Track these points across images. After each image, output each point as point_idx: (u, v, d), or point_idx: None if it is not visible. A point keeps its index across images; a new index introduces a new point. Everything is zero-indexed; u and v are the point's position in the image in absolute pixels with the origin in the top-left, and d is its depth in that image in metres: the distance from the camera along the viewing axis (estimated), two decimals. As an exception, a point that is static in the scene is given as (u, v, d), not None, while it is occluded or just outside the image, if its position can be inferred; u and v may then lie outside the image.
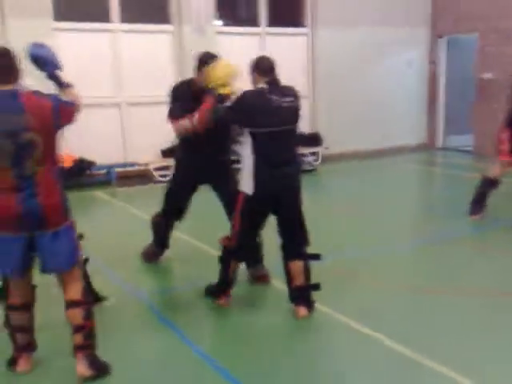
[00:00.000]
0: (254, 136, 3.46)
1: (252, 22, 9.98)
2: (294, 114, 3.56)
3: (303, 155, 9.91)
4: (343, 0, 10.33)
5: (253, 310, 3.91)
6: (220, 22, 9.80)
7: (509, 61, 9.96)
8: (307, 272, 3.67)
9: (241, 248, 3.66)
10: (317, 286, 3.73)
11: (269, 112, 3.43)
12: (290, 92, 3.59)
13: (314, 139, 10.27)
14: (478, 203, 6.01)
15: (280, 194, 3.55)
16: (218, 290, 3.88)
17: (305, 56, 10.39)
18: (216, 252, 4.15)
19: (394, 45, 11.06)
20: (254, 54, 9.77)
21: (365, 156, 10.72)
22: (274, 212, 3.64)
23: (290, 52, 10.11)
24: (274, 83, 3.52)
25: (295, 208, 3.64)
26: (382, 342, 3.37)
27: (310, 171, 9.36)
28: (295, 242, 3.66)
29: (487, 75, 10.27)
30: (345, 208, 6.86)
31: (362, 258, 4.91)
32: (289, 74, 10.37)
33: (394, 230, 5.80)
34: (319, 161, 10.18)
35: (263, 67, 3.54)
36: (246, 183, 3.52)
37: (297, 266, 3.64)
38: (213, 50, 4.29)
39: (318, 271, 3.98)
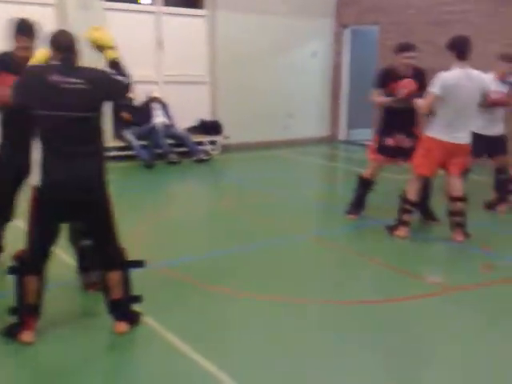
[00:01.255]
0: (35, 118, 3.00)
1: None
2: (82, 99, 3.00)
3: (201, 143, 9.55)
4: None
5: (72, 323, 3.41)
6: None
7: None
8: (126, 283, 3.25)
9: (33, 257, 3.09)
10: (137, 299, 3.33)
11: (42, 92, 2.96)
12: (85, 75, 3.04)
13: (213, 127, 9.92)
14: (356, 203, 5.84)
15: (72, 195, 3.04)
16: (16, 323, 3.13)
17: (204, 40, 9.90)
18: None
19: (298, 34, 10.82)
20: (149, 34, 9.63)
21: (266, 147, 10.45)
22: (73, 216, 3.17)
23: (187, 34, 9.65)
24: (66, 62, 3.01)
25: (98, 212, 3.17)
26: (208, 369, 2.99)
27: (205, 161, 8.94)
28: (107, 250, 3.22)
29: (388, 69, 10.22)
30: (223, 202, 6.55)
31: (215, 258, 4.59)
32: (186, 56, 10.17)
33: (261, 228, 5.49)
34: (217, 150, 9.82)
35: (57, 43, 3.03)
36: (34, 172, 3.04)
37: (113, 276, 3.21)
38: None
39: (148, 276, 3.59)
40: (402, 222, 5.21)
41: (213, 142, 9.81)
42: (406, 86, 5.06)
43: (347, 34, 11.20)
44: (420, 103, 4.95)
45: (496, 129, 6.28)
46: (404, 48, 5.36)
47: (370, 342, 3.30)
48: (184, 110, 9.62)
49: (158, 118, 8.96)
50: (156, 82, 9.37)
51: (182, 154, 8.98)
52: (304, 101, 11.13)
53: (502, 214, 6.06)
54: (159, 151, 8.71)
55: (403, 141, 5.44)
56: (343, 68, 11.26)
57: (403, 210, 5.19)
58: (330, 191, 7.61)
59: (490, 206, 6.20)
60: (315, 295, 3.95)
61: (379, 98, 5.48)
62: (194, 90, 9.86)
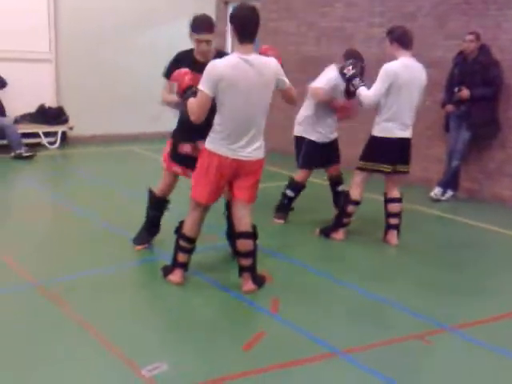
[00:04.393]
0: None
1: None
2: None
3: (35, 135, 7.97)
4: None
5: None
6: None
7: (292, 39, 8.63)
8: None
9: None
10: None
11: None
12: None
13: (54, 115, 8.31)
14: (146, 228, 4.42)
15: None
16: None
17: (45, 8, 8.17)
18: None
19: (171, 8, 9.25)
20: None
21: (129, 141, 8.89)
22: None
23: (24, 1, 7.96)
24: None
25: None
26: None
27: (28, 157, 7.26)
28: None
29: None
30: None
31: None
32: (22, 28, 7.68)
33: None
34: (57, 144, 8.24)
35: None
36: None
37: None
38: None
39: None
40: (177, 264, 3.83)
41: (51, 134, 8.24)
42: (179, 78, 3.64)
43: (229, 11, 9.75)
44: (190, 105, 3.55)
45: (333, 134, 5.11)
46: (196, 28, 3.89)
47: None
48: (21, 92, 7.97)
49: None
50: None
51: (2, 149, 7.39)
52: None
53: (338, 241, 4.82)
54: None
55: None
56: (228, 48, 9.79)
57: (178, 248, 3.82)
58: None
59: (325, 231, 4.95)
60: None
61: (166, 94, 4.07)
62: (33, 70, 8.20)
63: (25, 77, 7.98)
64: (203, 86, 3.39)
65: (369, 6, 7.56)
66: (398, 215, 4.80)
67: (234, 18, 3.44)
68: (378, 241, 4.86)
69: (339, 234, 4.85)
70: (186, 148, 4.09)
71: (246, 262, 3.73)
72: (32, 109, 8.20)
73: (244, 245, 3.70)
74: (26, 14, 7.90)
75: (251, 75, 3.40)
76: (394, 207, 4.79)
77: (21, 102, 7.99)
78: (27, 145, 7.62)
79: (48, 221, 5.31)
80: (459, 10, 6.57)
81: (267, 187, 6.15)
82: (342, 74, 4.60)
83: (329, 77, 4.89)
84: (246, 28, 3.42)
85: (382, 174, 4.70)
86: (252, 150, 3.57)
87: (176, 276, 3.81)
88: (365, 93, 4.44)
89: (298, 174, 5.17)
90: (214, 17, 9.27)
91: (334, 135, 5.14)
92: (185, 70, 3.67)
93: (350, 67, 4.50)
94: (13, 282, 3.76)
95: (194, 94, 3.50)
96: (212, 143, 3.57)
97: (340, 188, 5.24)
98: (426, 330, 3.34)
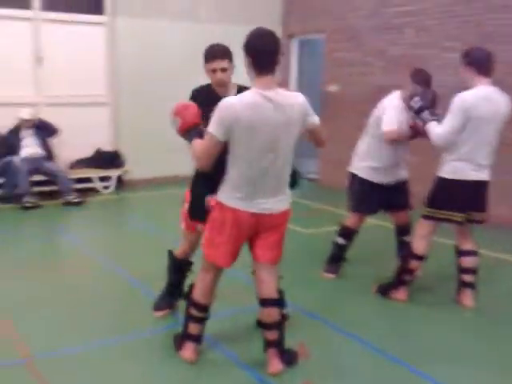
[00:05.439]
0: None
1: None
2: None
3: (89, 180, 7.73)
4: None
5: None
6: None
7: (356, 70, 7.93)
8: None
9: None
10: None
11: None
12: None
13: (109, 159, 8.06)
14: (169, 292, 3.79)
15: None
16: None
17: (103, 51, 8.03)
18: None
19: (232, 46, 8.85)
20: (26, 45, 7.11)
21: (183, 182, 8.34)
22: None
23: (78, 45, 7.76)
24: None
25: None
26: None
27: (77, 203, 6.90)
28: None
29: (332, 88, 8.17)
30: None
31: None
32: (82, 72, 7.61)
33: None
34: (111, 188, 7.94)
35: None
36: None
37: None
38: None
39: None
40: (188, 336, 3.16)
41: (106, 178, 7.97)
42: (182, 112, 3.05)
43: (294, 45, 9.25)
44: (195, 149, 2.90)
45: (399, 174, 4.30)
46: (207, 56, 3.47)
47: None
48: (77, 137, 7.78)
49: (27, 150, 7.15)
50: (35, 104, 7.51)
51: (51, 195, 7.14)
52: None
53: (400, 302, 3.95)
54: (19, 192, 6.82)
55: None
56: (291, 84, 9.26)
57: (189, 317, 3.14)
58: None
59: (383, 289, 4.09)
60: None
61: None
62: (90, 114, 7.98)
63: (81, 121, 7.81)
64: (213, 128, 2.77)
65: (442, 29, 6.75)
66: (473, 271, 3.89)
67: (247, 47, 2.82)
68: (448, 302, 3.96)
69: (400, 294, 4.00)
70: (211, 201, 3.44)
71: (272, 335, 3.00)
72: (89, 153, 8.02)
73: (268, 314, 2.98)
74: (81, 58, 7.80)
75: (272, 116, 2.74)
76: (468, 261, 3.88)
77: (77, 146, 7.81)
78: (81, 190, 7.39)
79: (68, 278, 4.54)
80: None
81: (320, 232, 5.44)
82: (409, 107, 3.84)
83: (396, 111, 4.08)
84: (263, 57, 2.79)
85: (452, 224, 3.83)
86: (274, 202, 2.89)
87: (188, 351, 3.14)
88: (435, 130, 3.63)
89: (349, 218, 4.41)
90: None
91: (400, 175, 4.31)
92: (190, 103, 3.10)
93: (418, 98, 3.72)
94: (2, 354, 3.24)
95: (200, 134, 2.91)
96: (225, 195, 2.93)
97: (406, 238, 4.37)
98: None
